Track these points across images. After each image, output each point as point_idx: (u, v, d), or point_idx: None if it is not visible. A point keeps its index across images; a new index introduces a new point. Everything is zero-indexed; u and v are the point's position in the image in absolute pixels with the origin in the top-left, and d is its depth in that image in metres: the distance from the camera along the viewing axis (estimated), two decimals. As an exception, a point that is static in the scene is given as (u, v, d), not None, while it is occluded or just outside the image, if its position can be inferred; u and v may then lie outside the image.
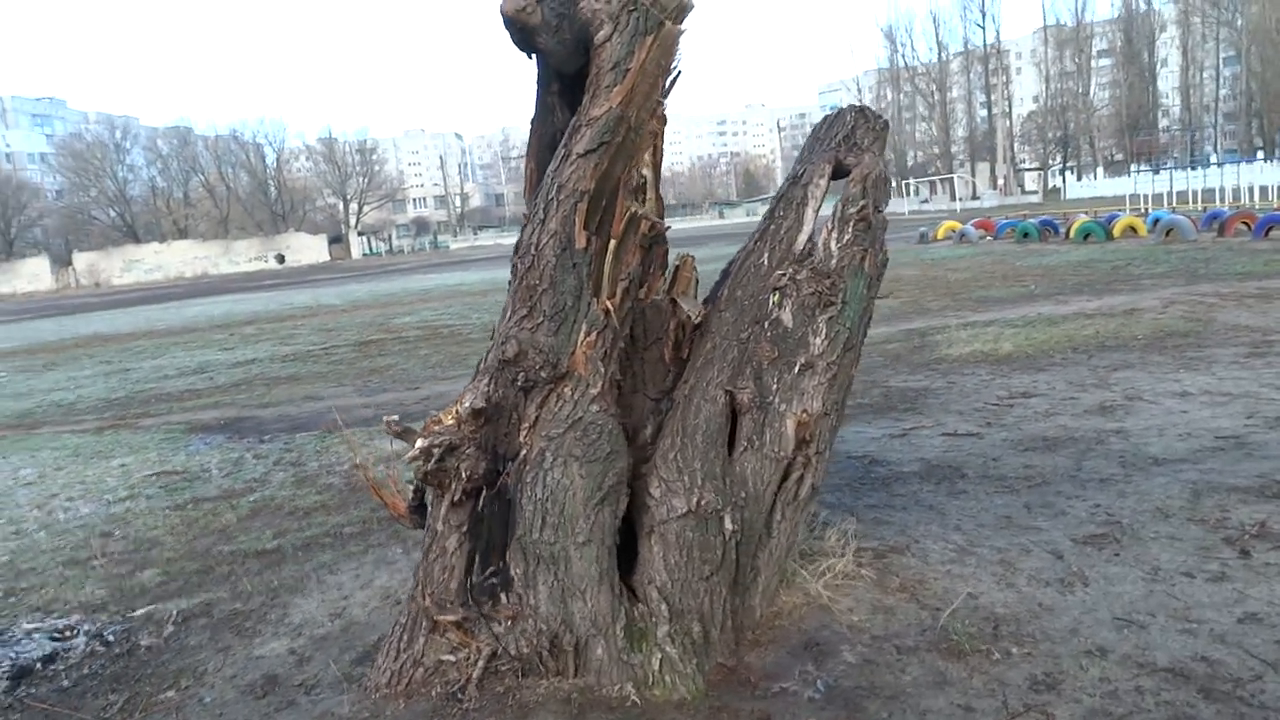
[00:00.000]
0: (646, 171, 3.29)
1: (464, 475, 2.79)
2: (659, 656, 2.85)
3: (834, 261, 3.10)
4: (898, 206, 60.40)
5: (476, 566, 2.95)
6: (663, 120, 3.33)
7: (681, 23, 3.15)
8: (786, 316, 3.09)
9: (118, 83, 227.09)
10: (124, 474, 6.64)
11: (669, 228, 3.07)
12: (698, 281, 3.34)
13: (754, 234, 3.34)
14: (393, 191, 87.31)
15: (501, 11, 3.02)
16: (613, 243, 2.84)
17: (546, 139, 3.31)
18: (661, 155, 3.36)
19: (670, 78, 2.80)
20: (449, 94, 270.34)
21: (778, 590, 3.32)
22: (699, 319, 3.15)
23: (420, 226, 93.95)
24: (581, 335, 2.84)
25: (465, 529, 2.89)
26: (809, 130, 3.71)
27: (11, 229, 73.59)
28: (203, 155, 76.50)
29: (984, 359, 7.74)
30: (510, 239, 78.02)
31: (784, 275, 3.11)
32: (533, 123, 3.34)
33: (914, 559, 3.75)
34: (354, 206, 77.40)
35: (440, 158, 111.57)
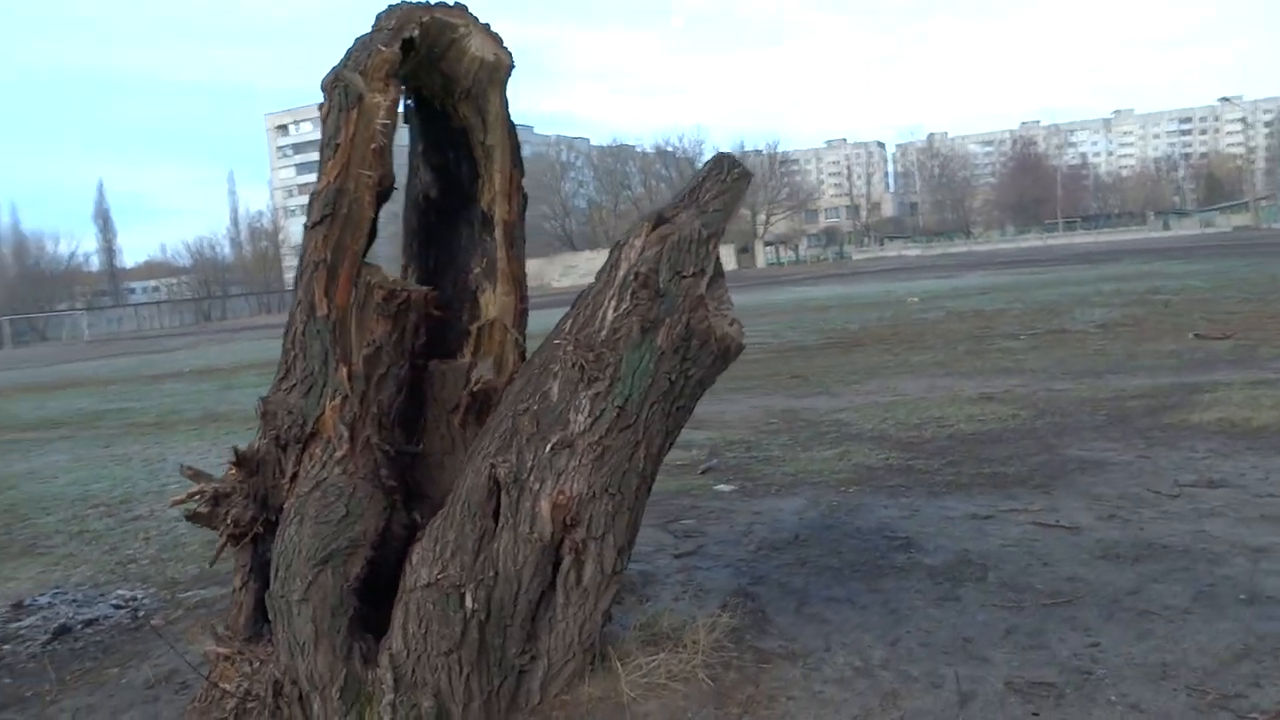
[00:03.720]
0: (500, 253, 3.28)
1: (229, 521, 3.01)
2: (375, 725, 2.84)
3: (603, 333, 2.84)
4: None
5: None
6: (520, 193, 3.29)
7: (496, 83, 3.10)
8: (555, 390, 2.89)
9: (572, 105, 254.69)
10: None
11: (409, 293, 3.00)
12: (518, 344, 3.23)
13: (573, 302, 3.15)
14: (801, 203, 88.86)
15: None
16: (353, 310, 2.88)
17: (413, 197, 3.43)
18: (514, 220, 3.30)
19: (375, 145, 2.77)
20: (876, 100, 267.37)
21: (577, 677, 3.09)
22: (479, 386, 3.06)
23: (830, 236, 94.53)
24: (327, 399, 2.91)
25: (249, 569, 3.11)
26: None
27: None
28: (632, 171, 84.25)
29: (1225, 430, 6.20)
30: (917, 249, 75.50)
31: (559, 345, 2.91)
32: (407, 181, 3.48)
33: (799, 671, 3.25)
34: (761, 217, 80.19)
35: (848, 168, 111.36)
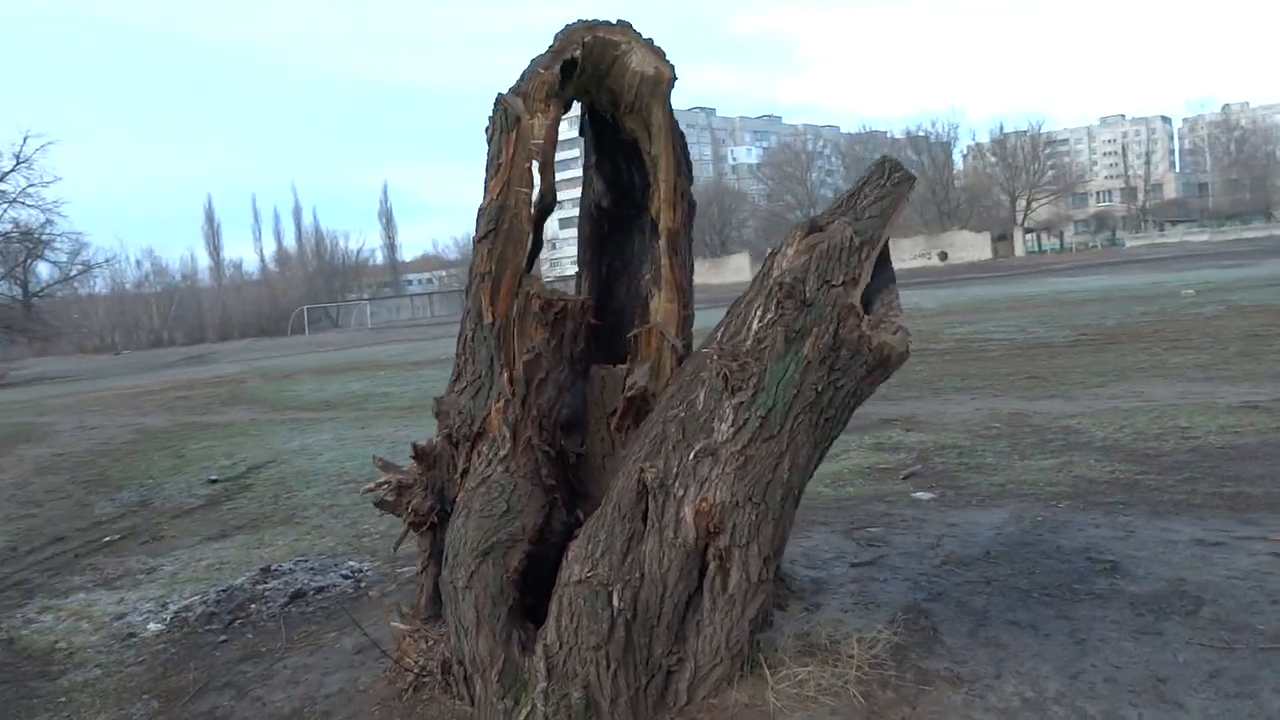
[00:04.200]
0: (664, 261, 3.36)
1: (411, 510, 3.30)
2: (527, 709, 3.01)
3: (748, 342, 2.83)
4: None
5: (445, 588, 3.42)
6: (684, 201, 3.36)
7: (658, 95, 3.17)
8: (701, 398, 2.92)
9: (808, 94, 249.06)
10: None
11: (566, 302, 3.10)
12: (676, 350, 3.28)
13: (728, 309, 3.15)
14: (1068, 186, 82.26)
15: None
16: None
17: (585, 208, 3.60)
18: (678, 228, 3.36)
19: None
20: (1159, 71, 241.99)
21: (725, 682, 3.12)
22: (633, 391, 3.14)
23: (1100, 222, 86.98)
24: (493, 401, 3.11)
25: (428, 554, 3.39)
26: None
27: (725, 230, 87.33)
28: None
29: None
30: (1204, 235, 67.43)
31: (707, 353, 2.94)
32: (581, 192, 3.64)
33: (961, 696, 3.10)
34: (1021, 203, 75.06)
35: (1123, 146, 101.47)
